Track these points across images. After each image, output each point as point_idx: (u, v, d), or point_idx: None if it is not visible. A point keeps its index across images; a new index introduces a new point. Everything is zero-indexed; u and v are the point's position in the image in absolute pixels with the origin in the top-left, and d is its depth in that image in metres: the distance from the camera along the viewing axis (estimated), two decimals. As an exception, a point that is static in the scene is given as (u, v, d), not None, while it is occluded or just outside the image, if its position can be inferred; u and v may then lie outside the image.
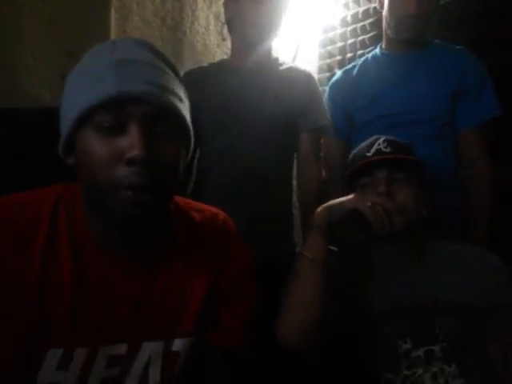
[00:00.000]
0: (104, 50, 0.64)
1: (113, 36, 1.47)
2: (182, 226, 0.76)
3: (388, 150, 1.00)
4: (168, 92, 0.63)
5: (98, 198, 0.63)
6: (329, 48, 2.18)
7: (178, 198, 0.79)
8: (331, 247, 0.95)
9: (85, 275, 0.67)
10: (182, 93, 0.68)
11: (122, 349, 0.69)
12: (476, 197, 1.34)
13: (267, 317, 0.86)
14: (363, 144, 1.06)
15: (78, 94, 0.62)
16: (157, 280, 0.71)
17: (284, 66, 1.38)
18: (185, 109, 0.67)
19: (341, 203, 0.95)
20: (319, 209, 0.97)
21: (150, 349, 0.71)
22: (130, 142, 0.60)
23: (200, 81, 1.37)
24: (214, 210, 0.82)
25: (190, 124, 0.69)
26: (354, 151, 1.08)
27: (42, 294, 0.64)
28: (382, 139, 1.03)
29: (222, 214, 0.82)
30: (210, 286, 0.75)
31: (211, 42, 1.79)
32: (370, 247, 1.02)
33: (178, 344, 0.72)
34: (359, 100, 1.42)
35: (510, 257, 1.01)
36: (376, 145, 1.02)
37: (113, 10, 1.47)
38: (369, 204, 0.92)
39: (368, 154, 1.01)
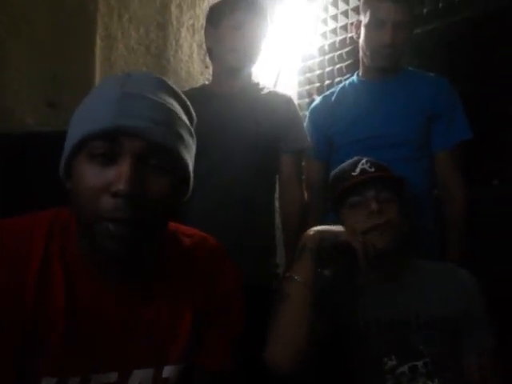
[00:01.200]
0: (116, 82, 0.65)
1: (98, 64, 1.50)
2: (172, 251, 0.75)
3: (372, 169, 1.03)
4: (166, 129, 0.63)
5: (84, 226, 0.63)
6: (308, 75, 2.25)
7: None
8: (320, 270, 0.97)
9: (77, 304, 0.66)
10: (184, 130, 0.67)
11: (112, 377, 0.68)
12: (451, 217, 1.38)
13: (253, 340, 0.85)
14: (344, 165, 1.09)
15: (80, 122, 0.64)
16: (148, 306, 0.70)
17: (265, 91, 1.41)
18: (183, 147, 0.66)
19: (335, 233, 0.96)
20: (310, 232, 0.97)
21: (140, 376, 0.70)
22: (118, 174, 0.59)
23: None
24: (203, 234, 0.82)
25: (187, 161, 0.68)
26: (336, 172, 1.11)
27: (35, 322, 0.63)
28: (365, 160, 1.06)
29: (211, 238, 0.81)
30: (200, 310, 0.74)
31: (195, 70, 1.83)
32: (357, 271, 1.03)
33: (167, 371, 0.71)
34: (337, 124, 1.46)
35: (481, 274, 1.04)
36: (360, 165, 1.05)
37: (98, 39, 1.50)
38: (360, 240, 0.94)
39: (354, 174, 1.04)
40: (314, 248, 0.94)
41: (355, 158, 1.09)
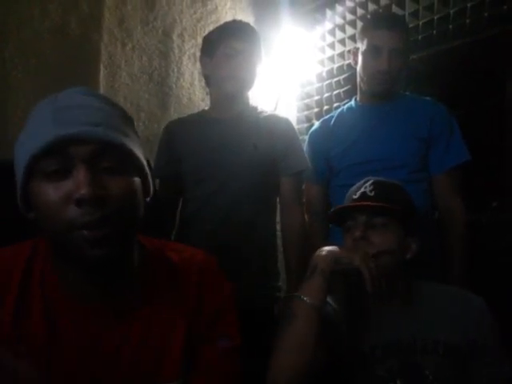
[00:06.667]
0: (47, 103, 0.65)
1: (102, 91, 1.53)
2: (159, 267, 0.75)
3: (372, 194, 1.00)
4: (108, 129, 0.63)
5: (59, 245, 0.63)
6: (307, 101, 2.29)
7: (155, 240, 0.79)
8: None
9: (58, 332, 0.66)
10: (127, 129, 0.68)
11: None
12: (451, 239, 1.38)
13: (252, 362, 0.84)
14: (355, 185, 1.07)
15: (22, 149, 0.63)
16: (134, 325, 0.70)
17: (263, 114, 1.43)
18: (131, 142, 0.66)
19: (348, 258, 0.93)
20: (322, 252, 0.95)
21: None
22: (76, 182, 0.60)
23: (181, 131, 1.42)
24: (192, 248, 0.82)
25: (139, 156, 0.68)
26: (349, 191, 1.08)
27: (14, 354, 0.63)
28: (370, 182, 1.03)
29: (200, 252, 0.81)
30: (191, 324, 0.73)
31: (196, 97, 1.87)
32: (362, 295, 1.01)
33: None
34: (336, 147, 1.48)
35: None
36: (363, 188, 1.02)
37: (102, 67, 1.53)
38: (372, 266, 0.91)
39: (354, 197, 1.02)
40: (326, 270, 0.92)
41: (364, 179, 1.06)
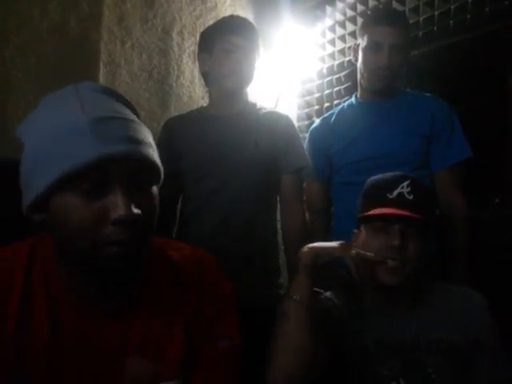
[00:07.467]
0: (71, 104, 0.62)
1: (101, 89, 1.53)
2: (160, 266, 0.76)
3: (411, 197, 0.95)
4: (144, 146, 0.64)
5: (79, 256, 0.63)
6: (307, 98, 2.28)
7: (157, 238, 0.78)
8: (317, 289, 0.95)
9: (61, 331, 0.66)
10: (150, 138, 0.68)
11: None
12: (452, 235, 1.38)
13: (255, 362, 0.84)
14: (385, 179, 1.01)
15: (52, 154, 0.60)
16: (134, 325, 0.70)
17: (263, 111, 1.42)
18: (155, 154, 0.68)
19: (328, 249, 0.94)
20: (304, 249, 0.95)
21: None
22: (114, 202, 0.60)
23: (181, 128, 1.40)
24: (192, 247, 0.82)
25: (160, 167, 0.69)
26: (373, 182, 1.03)
27: (17, 353, 0.63)
28: (407, 182, 0.97)
29: (200, 250, 0.82)
30: (191, 323, 0.74)
31: (196, 95, 1.87)
32: (357, 288, 1.01)
33: None
34: (337, 144, 1.48)
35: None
36: (400, 187, 0.96)
37: (102, 65, 1.53)
38: (353, 252, 0.91)
39: (389, 196, 0.96)
40: (308, 265, 0.92)
41: (398, 175, 1.00)
